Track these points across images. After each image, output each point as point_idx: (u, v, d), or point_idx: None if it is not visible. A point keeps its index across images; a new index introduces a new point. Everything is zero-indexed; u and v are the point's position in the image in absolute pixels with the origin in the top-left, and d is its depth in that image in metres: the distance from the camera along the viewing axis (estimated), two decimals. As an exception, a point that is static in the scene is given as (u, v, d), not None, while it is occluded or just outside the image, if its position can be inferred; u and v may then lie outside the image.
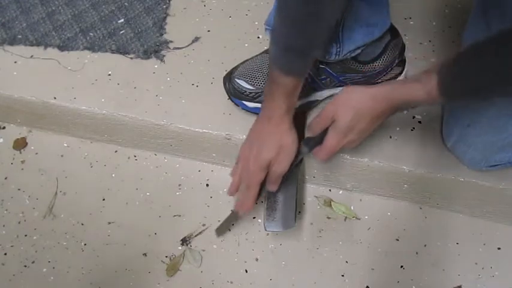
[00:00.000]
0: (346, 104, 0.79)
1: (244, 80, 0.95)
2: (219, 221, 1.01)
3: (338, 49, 0.86)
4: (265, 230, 0.92)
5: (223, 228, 0.99)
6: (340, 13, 0.80)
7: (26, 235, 1.02)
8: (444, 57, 0.71)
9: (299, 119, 0.95)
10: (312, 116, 0.98)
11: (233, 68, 0.98)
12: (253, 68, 0.96)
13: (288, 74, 0.79)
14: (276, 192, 0.92)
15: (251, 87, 0.94)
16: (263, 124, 0.86)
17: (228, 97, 0.99)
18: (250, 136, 0.90)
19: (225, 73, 1.00)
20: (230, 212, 0.97)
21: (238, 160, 0.91)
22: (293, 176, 0.94)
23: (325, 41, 0.80)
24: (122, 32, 1.12)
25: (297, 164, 0.92)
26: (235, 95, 0.96)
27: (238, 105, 0.98)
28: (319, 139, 0.83)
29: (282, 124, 0.84)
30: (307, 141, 0.86)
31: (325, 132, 0.82)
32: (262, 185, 0.90)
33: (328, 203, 1.03)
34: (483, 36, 0.66)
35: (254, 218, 1.02)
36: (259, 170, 0.86)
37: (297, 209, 0.94)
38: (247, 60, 0.98)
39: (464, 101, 0.86)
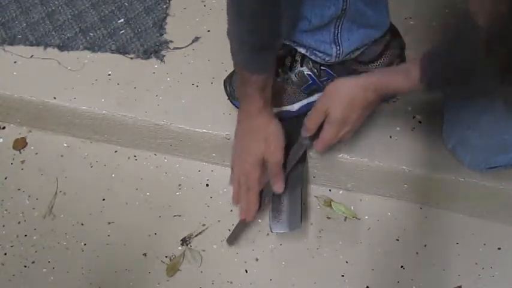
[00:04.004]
0: (337, 97, 0.80)
1: None
2: (219, 221, 1.01)
3: (338, 51, 0.86)
4: (271, 231, 0.92)
5: (234, 237, 0.98)
6: None
7: (26, 235, 1.02)
8: (426, 48, 0.74)
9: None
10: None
11: (233, 71, 0.98)
12: None
13: (258, 72, 0.81)
14: (282, 193, 0.92)
15: None
16: (244, 123, 0.88)
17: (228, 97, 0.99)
18: (235, 141, 0.91)
19: (225, 73, 1.00)
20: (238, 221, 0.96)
21: (232, 167, 0.91)
22: (298, 176, 0.94)
23: (281, 28, 0.80)
24: (122, 32, 1.12)
25: (300, 160, 0.91)
26: (236, 98, 0.96)
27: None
28: (319, 130, 0.84)
29: (262, 117, 0.85)
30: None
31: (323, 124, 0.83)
32: (265, 188, 0.89)
33: (328, 203, 1.03)
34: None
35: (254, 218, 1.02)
36: (254, 166, 0.86)
37: (303, 210, 0.94)
38: (247, 61, 0.98)
39: (444, 90, 0.90)
